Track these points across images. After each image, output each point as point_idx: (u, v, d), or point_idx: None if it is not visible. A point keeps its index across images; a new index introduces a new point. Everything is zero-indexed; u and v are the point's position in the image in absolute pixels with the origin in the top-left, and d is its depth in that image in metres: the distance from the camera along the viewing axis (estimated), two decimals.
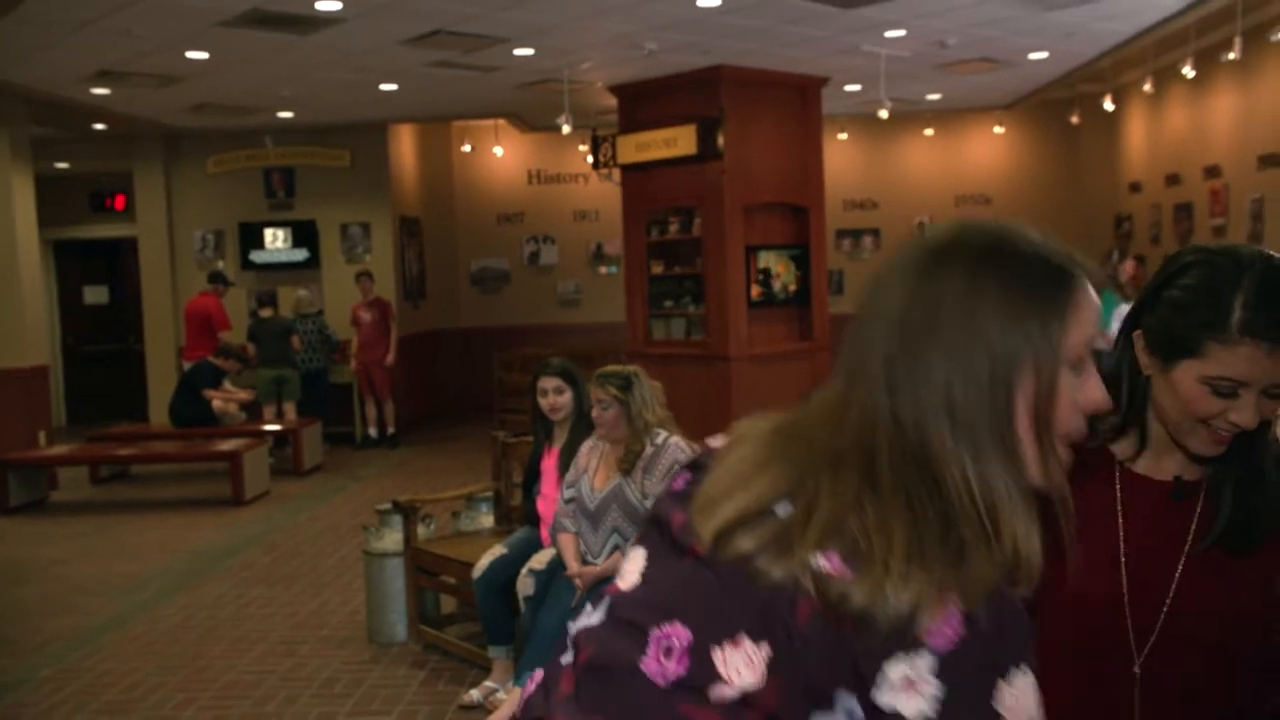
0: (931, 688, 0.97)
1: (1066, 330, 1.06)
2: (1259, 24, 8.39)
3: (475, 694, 4.56)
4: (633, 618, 1.09)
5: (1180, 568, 1.44)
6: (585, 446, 4.27)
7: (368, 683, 4.87)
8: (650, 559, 1.14)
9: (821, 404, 1.13)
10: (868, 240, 13.96)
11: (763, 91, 9.75)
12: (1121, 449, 1.50)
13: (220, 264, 12.08)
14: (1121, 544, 1.46)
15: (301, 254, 12.15)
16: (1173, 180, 11.17)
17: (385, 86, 9.81)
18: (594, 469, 4.16)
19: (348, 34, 7.76)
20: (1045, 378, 1.05)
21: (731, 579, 1.04)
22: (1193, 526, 1.44)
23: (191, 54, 8.28)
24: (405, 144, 12.78)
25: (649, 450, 4.03)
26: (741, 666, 1.01)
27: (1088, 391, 1.09)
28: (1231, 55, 8.27)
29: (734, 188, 9.56)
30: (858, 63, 9.37)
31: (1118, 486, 1.48)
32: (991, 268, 1.06)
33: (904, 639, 0.97)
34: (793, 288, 10.12)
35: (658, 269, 10.21)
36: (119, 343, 14.22)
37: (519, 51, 8.56)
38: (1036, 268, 1.07)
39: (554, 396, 4.59)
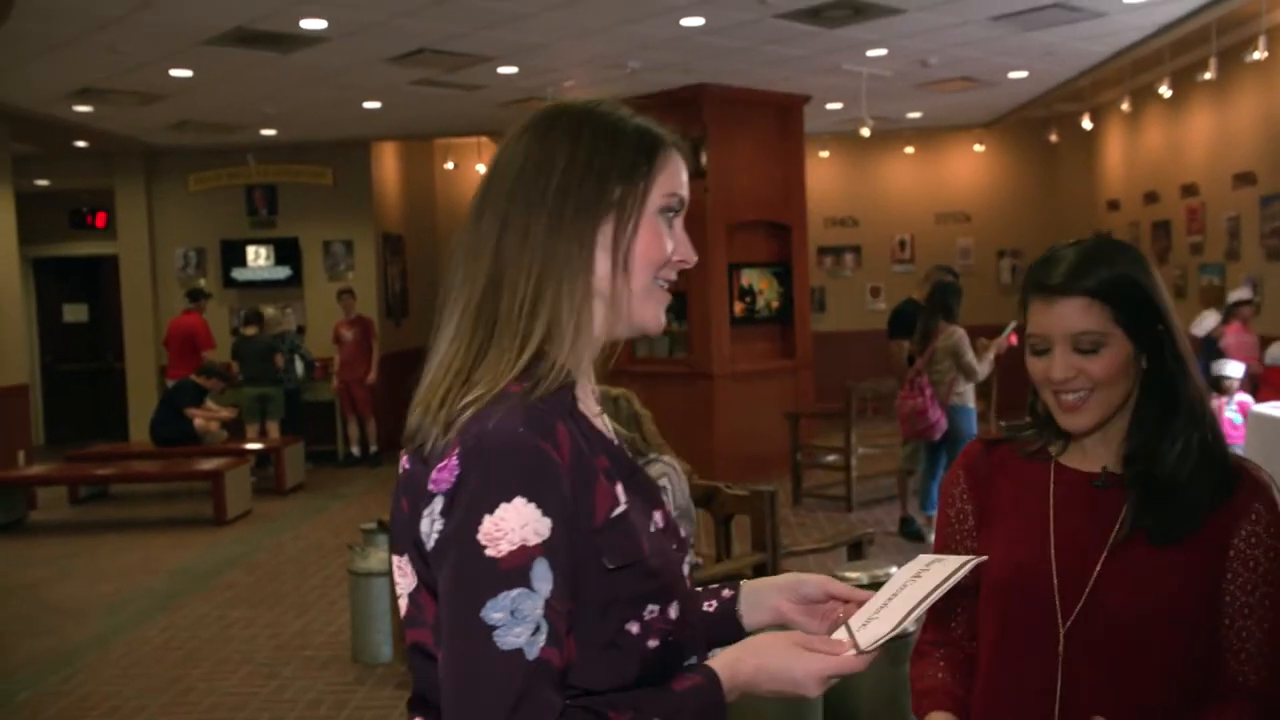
0: (439, 524, 1.10)
1: (652, 182, 1.21)
2: (1233, 45, 8.50)
3: None
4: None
5: (1104, 554, 1.54)
6: None
7: (352, 704, 4.85)
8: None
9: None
10: (849, 258, 14.02)
11: (745, 110, 9.81)
12: (1056, 448, 1.65)
13: (202, 281, 12.03)
14: (1051, 526, 1.58)
15: (284, 271, 12.11)
16: (1150, 198, 11.28)
17: (368, 104, 9.82)
18: None
19: (331, 53, 7.77)
20: (628, 221, 1.20)
21: (402, 479, 1.20)
22: (1120, 517, 1.55)
23: (175, 71, 8.27)
24: (388, 161, 12.78)
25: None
26: (399, 577, 1.20)
27: (682, 247, 1.25)
28: (1207, 75, 8.37)
29: (717, 206, 9.61)
30: (839, 81, 9.44)
31: (1050, 476, 1.62)
32: (588, 125, 1.22)
33: (423, 491, 1.12)
34: (775, 305, 10.17)
35: None
36: (99, 361, 14.12)
37: (502, 70, 8.59)
38: (628, 129, 1.23)
39: None
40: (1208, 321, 8.04)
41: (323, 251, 12.24)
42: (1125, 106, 10.33)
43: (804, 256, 10.51)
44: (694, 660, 1.22)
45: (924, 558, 1.36)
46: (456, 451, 1.10)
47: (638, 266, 1.21)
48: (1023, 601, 1.57)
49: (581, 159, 1.19)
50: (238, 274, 12.12)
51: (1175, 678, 1.51)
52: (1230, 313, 8.00)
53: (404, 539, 1.17)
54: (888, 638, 1.20)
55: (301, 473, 10.41)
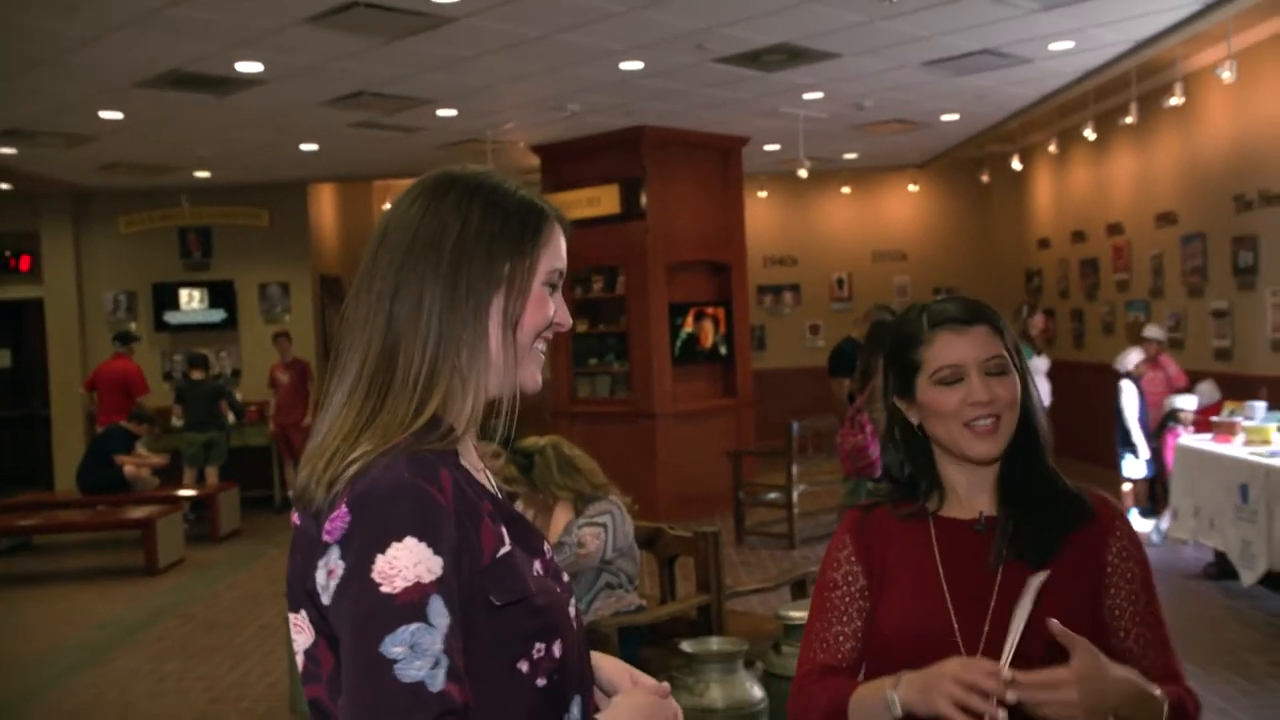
0: (336, 572, 1.12)
1: (539, 255, 1.29)
2: (1152, 90, 8.78)
3: None
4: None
5: (995, 593, 1.63)
6: (519, 505, 4.25)
7: None
8: None
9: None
10: (788, 296, 14.17)
11: (684, 151, 9.91)
12: (932, 503, 1.74)
13: (132, 325, 11.79)
14: (942, 576, 1.66)
15: (219, 314, 11.93)
16: (1078, 237, 11.57)
17: (306, 146, 9.75)
18: (530, 518, 4.14)
19: (268, 95, 7.72)
20: (518, 292, 1.27)
21: (297, 538, 1.21)
22: (995, 550, 1.66)
23: (105, 114, 8.14)
24: (325, 203, 12.68)
25: (601, 515, 4.03)
26: (296, 634, 1.22)
27: (560, 311, 1.32)
28: (1129, 119, 8.64)
29: (657, 246, 9.66)
30: (777, 123, 9.58)
31: (931, 531, 1.70)
32: (479, 198, 1.27)
33: (316, 544, 1.15)
34: (712, 344, 10.21)
35: (582, 327, 10.23)
36: (23, 408, 13.73)
37: (442, 112, 8.59)
38: (515, 204, 1.29)
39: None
40: (1131, 357, 8.25)
41: (259, 294, 12.08)
42: (1053, 148, 10.61)
43: (744, 296, 10.60)
44: (578, 699, 1.26)
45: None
46: (345, 500, 1.13)
47: (524, 334, 1.28)
48: (929, 653, 1.60)
49: (472, 233, 1.25)
50: (170, 317, 11.91)
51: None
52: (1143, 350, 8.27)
53: (299, 595, 1.20)
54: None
55: (237, 519, 10.19)
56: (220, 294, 11.94)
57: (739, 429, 10.18)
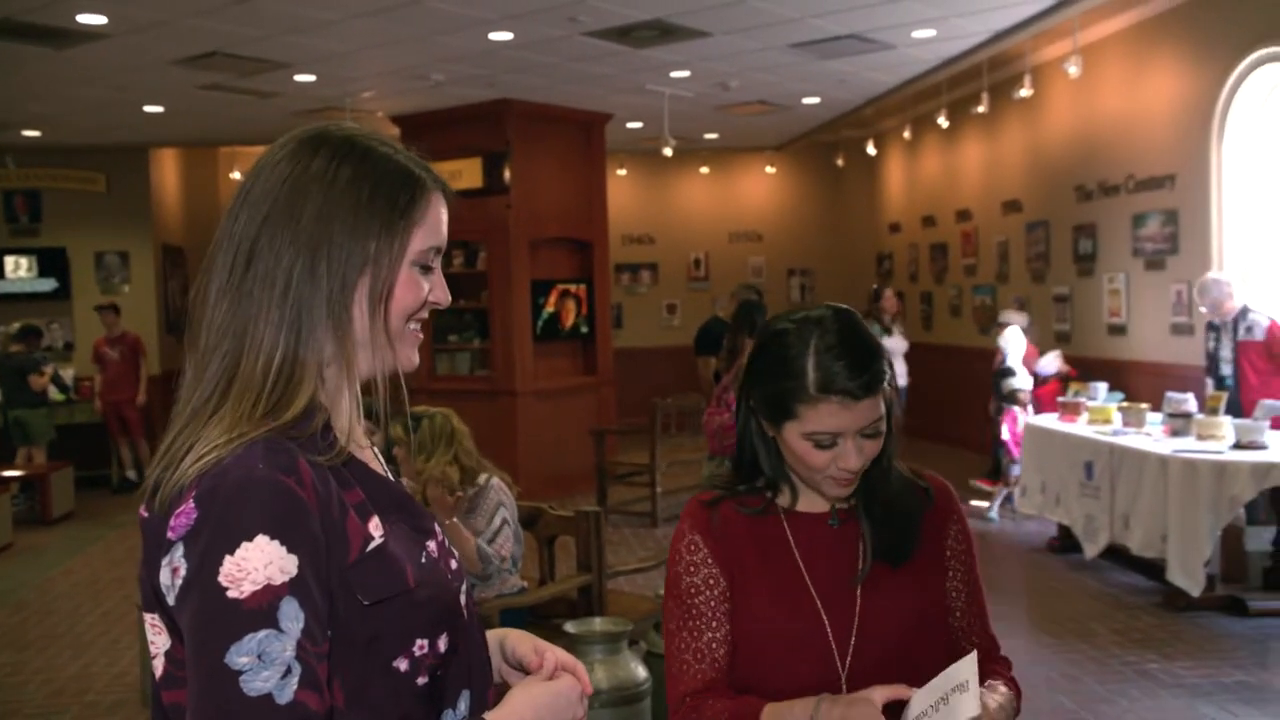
0: (180, 571, 1.04)
1: (410, 233, 1.17)
2: (1003, 81, 9.13)
3: None
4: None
5: (859, 589, 1.63)
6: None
7: None
8: None
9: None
10: (645, 275, 14.23)
11: (548, 126, 9.80)
12: (783, 499, 1.69)
13: None
14: (805, 574, 1.64)
15: (49, 284, 11.21)
16: (928, 222, 11.96)
17: (150, 108, 9.22)
18: None
19: (112, 50, 7.25)
20: (384, 274, 1.15)
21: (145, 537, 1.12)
22: (860, 549, 1.65)
23: None
24: (168, 169, 12.05)
25: (469, 492, 3.96)
26: (154, 635, 1.14)
27: (437, 290, 1.21)
28: (980, 109, 8.96)
29: (519, 222, 9.54)
30: (642, 100, 9.56)
31: (785, 528, 1.66)
32: (348, 163, 1.15)
33: (162, 541, 1.06)
34: (573, 323, 10.15)
35: None
36: None
37: (299, 77, 8.25)
38: (388, 170, 1.17)
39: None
40: (1053, 363, 8.34)
41: (95, 263, 11.40)
42: (906, 134, 10.93)
43: (606, 273, 10.57)
44: (467, 694, 1.20)
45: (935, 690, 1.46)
46: (193, 495, 1.05)
47: (394, 316, 1.18)
48: (800, 653, 1.61)
49: (336, 205, 1.14)
50: None
51: (936, 664, 1.62)
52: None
53: (149, 595, 1.11)
54: None
55: (71, 500, 9.62)
56: (51, 262, 11.22)
57: (600, 407, 10.17)
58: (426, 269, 1.20)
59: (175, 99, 8.86)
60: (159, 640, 1.12)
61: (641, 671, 3.66)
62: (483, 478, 4.05)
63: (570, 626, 3.66)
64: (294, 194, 1.13)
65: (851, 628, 1.60)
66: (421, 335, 1.23)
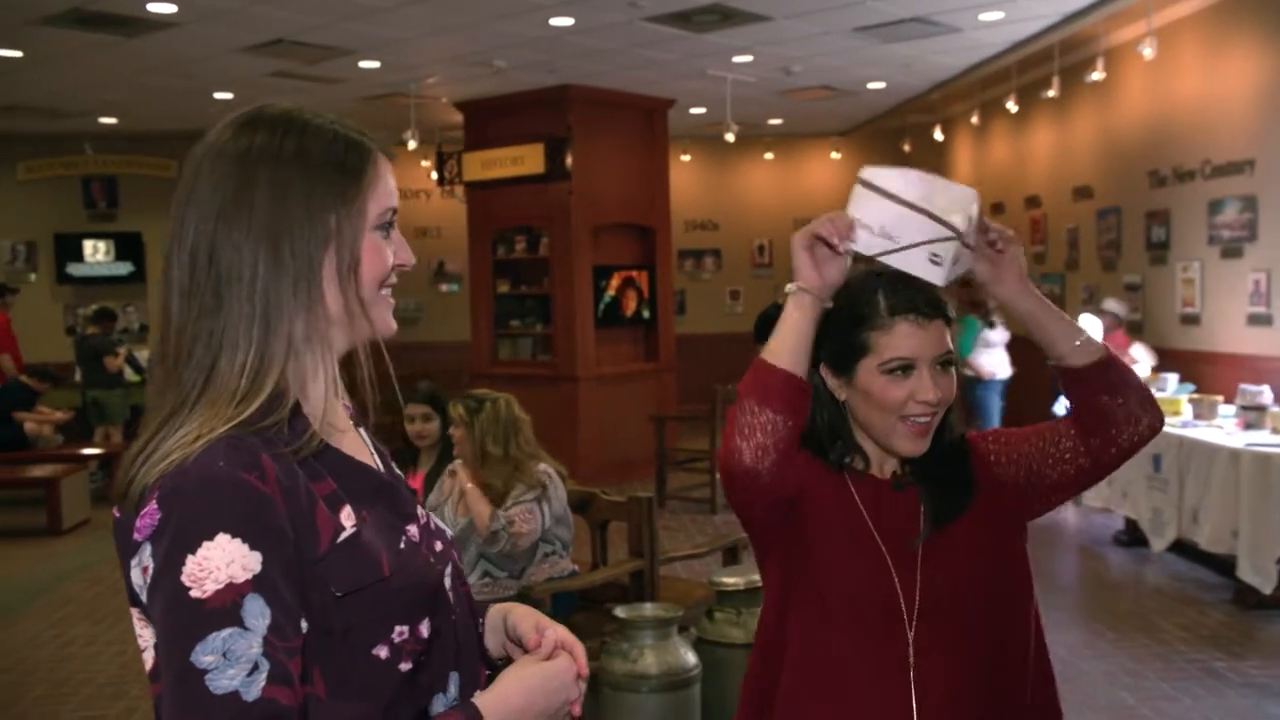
0: (150, 568, 1.05)
1: (366, 200, 1.17)
2: (1074, 64, 8.91)
3: None
4: None
5: (921, 545, 1.65)
6: (448, 472, 4.16)
7: None
8: None
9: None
10: (709, 261, 14.17)
11: (610, 112, 9.79)
12: (858, 464, 1.72)
13: (33, 276, 11.31)
14: (875, 533, 1.66)
15: (125, 268, 11.51)
16: (997, 209, 11.74)
17: (220, 95, 9.39)
18: (456, 496, 4.04)
19: (182, 39, 7.40)
20: (349, 245, 1.15)
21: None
22: (921, 511, 1.67)
23: (3, 51, 7.73)
24: None
25: (532, 490, 3.94)
26: (141, 629, 1.14)
27: (401, 251, 1.22)
28: (1050, 93, 8.76)
29: (581, 208, 9.55)
30: (704, 86, 9.51)
31: (852, 490, 1.69)
32: (289, 142, 1.15)
33: (129, 543, 1.07)
34: (635, 309, 10.15)
35: (504, 288, 10.09)
36: None
37: (364, 64, 8.34)
38: (332, 143, 1.16)
39: (421, 424, 4.43)
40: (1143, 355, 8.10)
41: None
42: (975, 119, 10.72)
43: (668, 259, 10.55)
44: (455, 676, 1.21)
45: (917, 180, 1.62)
46: (155, 496, 1.06)
47: (365, 285, 1.18)
48: (876, 611, 1.64)
49: (287, 187, 1.13)
50: (73, 269, 11.46)
51: (1002, 634, 1.66)
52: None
53: (132, 591, 1.13)
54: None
55: None
56: (127, 246, 11.51)
57: (661, 393, 10.17)
58: (386, 233, 1.20)
59: (244, 87, 9.01)
60: (145, 634, 1.14)
61: (691, 658, 3.66)
62: (540, 467, 4.03)
63: (620, 611, 3.67)
64: (242, 182, 1.13)
65: (916, 584, 1.63)
66: (393, 300, 1.23)
